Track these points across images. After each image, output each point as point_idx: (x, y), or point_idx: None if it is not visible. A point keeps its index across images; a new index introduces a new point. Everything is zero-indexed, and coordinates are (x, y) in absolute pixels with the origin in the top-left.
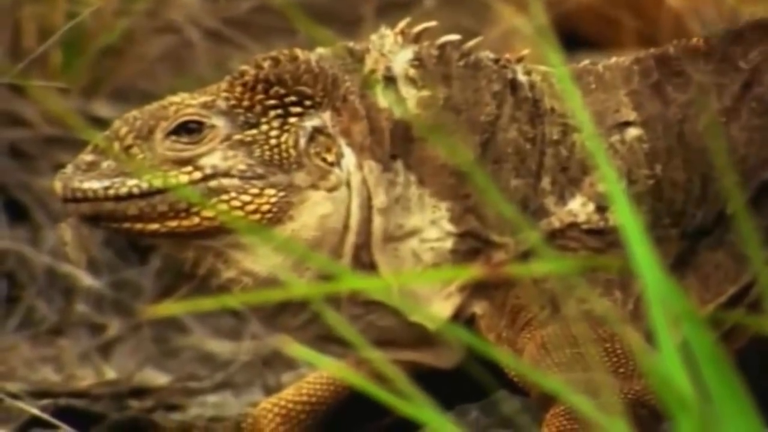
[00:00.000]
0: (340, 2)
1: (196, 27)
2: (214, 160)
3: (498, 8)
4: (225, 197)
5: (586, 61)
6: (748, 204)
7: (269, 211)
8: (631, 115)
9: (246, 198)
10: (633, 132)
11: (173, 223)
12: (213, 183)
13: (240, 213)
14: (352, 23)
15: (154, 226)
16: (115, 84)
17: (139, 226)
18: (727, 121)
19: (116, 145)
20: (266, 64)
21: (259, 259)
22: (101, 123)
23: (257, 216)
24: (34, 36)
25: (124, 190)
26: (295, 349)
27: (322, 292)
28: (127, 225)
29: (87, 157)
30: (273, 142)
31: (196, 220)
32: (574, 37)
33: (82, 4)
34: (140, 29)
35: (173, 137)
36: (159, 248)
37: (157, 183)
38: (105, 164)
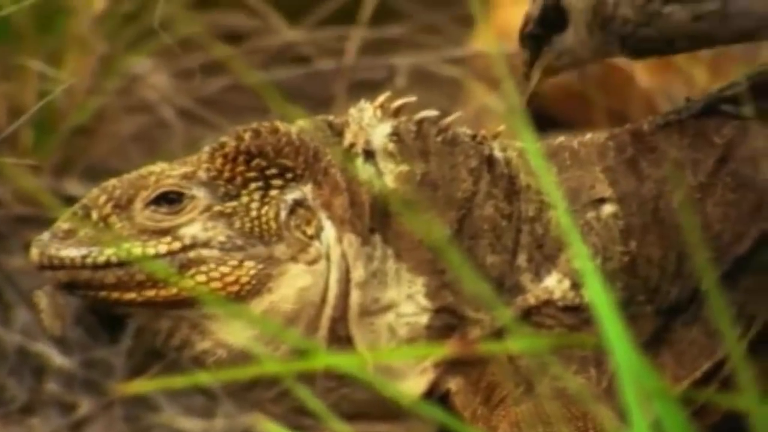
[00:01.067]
0: (311, 81)
1: (168, 106)
2: (193, 230)
3: (470, 87)
4: (204, 268)
5: (561, 138)
6: (723, 280)
7: (248, 282)
8: (607, 192)
9: (225, 269)
10: (608, 208)
11: (151, 293)
12: (192, 253)
13: (219, 284)
14: (324, 102)
15: (132, 295)
16: (87, 163)
17: (116, 295)
18: (702, 197)
19: (94, 214)
20: (247, 136)
21: (235, 331)
22: (73, 202)
23: (236, 287)
24: (5, 114)
25: (101, 259)
26: (267, 427)
27: (296, 368)
28: (103, 294)
29: (64, 224)
30: (253, 213)
31: (174, 290)
32: (545, 117)
33: (54, 83)
34: (112, 108)
35: (153, 207)
36: (130, 326)
37: (136, 252)
38: (82, 232)
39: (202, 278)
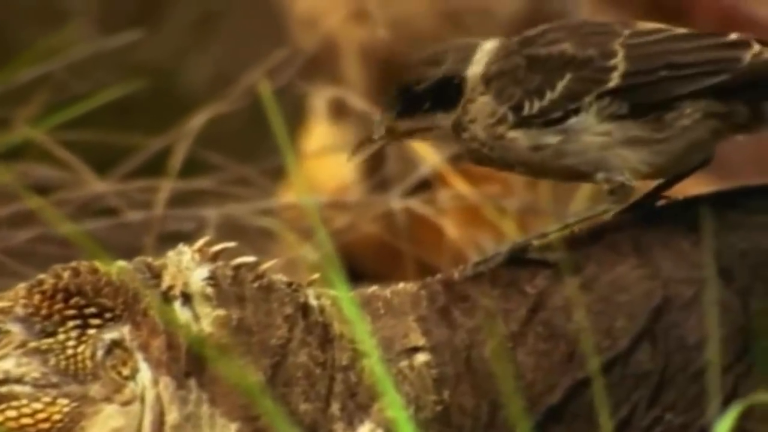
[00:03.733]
0: (120, 232)
1: None
2: (7, 365)
3: (281, 238)
4: (15, 404)
5: (374, 287)
6: (536, 429)
7: (61, 420)
8: (420, 341)
9: (38, 406)
10: (421, 358)
11: None
12: (4, 389)
13: (30, 420)
14: (133, 253)
15: None
16: None
17: None
18: (515, 347)
19: None
20: (66, 275)
21: None
22: None
23: (48, 425)
24: None
25: None
26: None
27: None
28: None
29: None
30: (69, 352)
31: None
32: (357, 269)
33: None
34: None
35: None
36: None
37: None
38: None
39: (12, 414)
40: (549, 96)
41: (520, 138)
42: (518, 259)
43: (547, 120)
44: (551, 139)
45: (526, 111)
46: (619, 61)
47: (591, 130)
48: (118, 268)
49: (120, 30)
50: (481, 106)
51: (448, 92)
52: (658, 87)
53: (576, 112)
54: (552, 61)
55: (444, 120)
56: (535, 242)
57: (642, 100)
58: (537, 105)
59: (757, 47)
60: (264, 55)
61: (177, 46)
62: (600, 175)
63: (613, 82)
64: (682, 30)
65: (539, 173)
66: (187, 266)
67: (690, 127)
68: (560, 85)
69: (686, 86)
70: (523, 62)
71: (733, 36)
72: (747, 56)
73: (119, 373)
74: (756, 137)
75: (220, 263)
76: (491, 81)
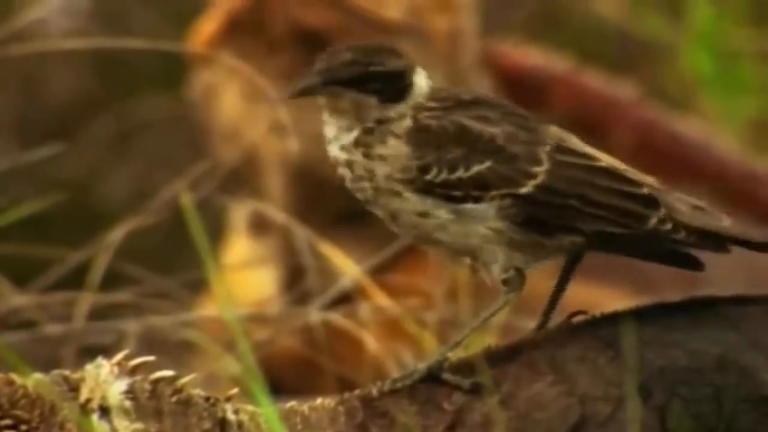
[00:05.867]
0: (38, 346)
1: None
2: None
3: (201, 351)
4: None
5: (292, 402)
6: None
7: None
8: None
9: None
10: None
11: None
12: None
13: None
14: (52, 366)
15: None
16: None
17: None
18: None
19: None
20: None
21: None
22: None
23: None
24: None
25: None
26: None
27: None
28: None
29: None
30: None
31: None
32: (276, 382)
33: None
34: None
35: None
36: None
37: None
38: None
39: None
40: (460, 173)
41: (412, 200)
42: (436, 378)
43: (446, 194)
44: (442, 213)
45: (430, 176)
46: (542, 172)
47: (484, 223)
48: (35, 380)
49: (37, 145)
50: (396, 149)
51: (395, 87)
52: (563, 212)
53: (477, 200)
54: (480, 142)
55: (373, 110)
56: (451, 354)
57: (543, 216)
58: (444, 175)
59: (662, 211)
60: (182, 168)
61: (95, 160)
62: (467, 260)
63: (526, 188)
64: (600, 162)
65: (407, 233)
66: (106, 380)
67: (567, 246)
68: (475, 169)
69: (589, 224)
70: (452, 128)
71: (645, 190)
72: (653, 220)
73: None
74: None
75: (138, 377)
76: (417, 133)
